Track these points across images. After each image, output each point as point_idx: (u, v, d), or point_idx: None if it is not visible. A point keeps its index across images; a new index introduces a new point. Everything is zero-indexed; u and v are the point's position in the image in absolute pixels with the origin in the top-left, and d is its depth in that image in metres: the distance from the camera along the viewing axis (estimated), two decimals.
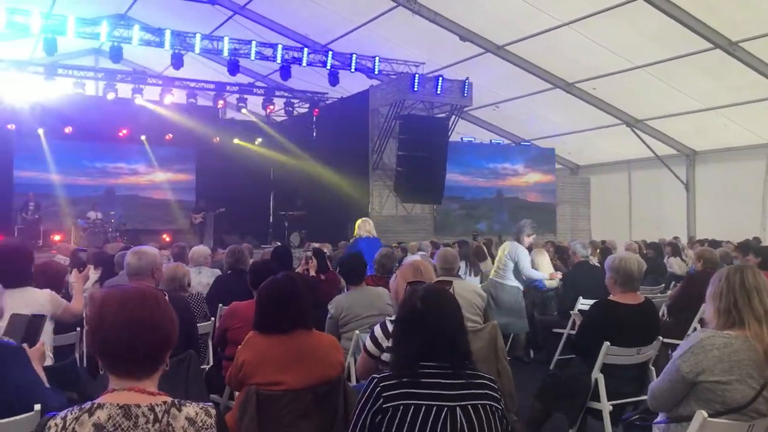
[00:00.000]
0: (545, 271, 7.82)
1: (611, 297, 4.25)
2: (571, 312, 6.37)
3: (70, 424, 1.67)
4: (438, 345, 2.37)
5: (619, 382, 4.16)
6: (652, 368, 4.30)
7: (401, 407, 2.27)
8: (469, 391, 2.34)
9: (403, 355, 2.41)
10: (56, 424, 1.68)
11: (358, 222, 8.87)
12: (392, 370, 2.39)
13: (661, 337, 4.32)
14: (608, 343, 4.05)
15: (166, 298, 1.90)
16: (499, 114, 18.50)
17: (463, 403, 2.31)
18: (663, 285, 8.85)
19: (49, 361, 3.85)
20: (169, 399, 1.78)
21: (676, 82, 14.15)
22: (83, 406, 1.72)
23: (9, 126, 16.68)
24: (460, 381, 2.34)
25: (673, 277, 9.88)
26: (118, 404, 1.71)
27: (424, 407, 2.27)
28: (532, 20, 13.17)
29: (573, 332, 5.90)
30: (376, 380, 2.35)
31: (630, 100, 15.92)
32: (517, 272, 7.43)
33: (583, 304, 6.70)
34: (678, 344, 3.59)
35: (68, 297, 4.69)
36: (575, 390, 4.20)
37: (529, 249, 7.67)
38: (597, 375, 4.10)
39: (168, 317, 1.84)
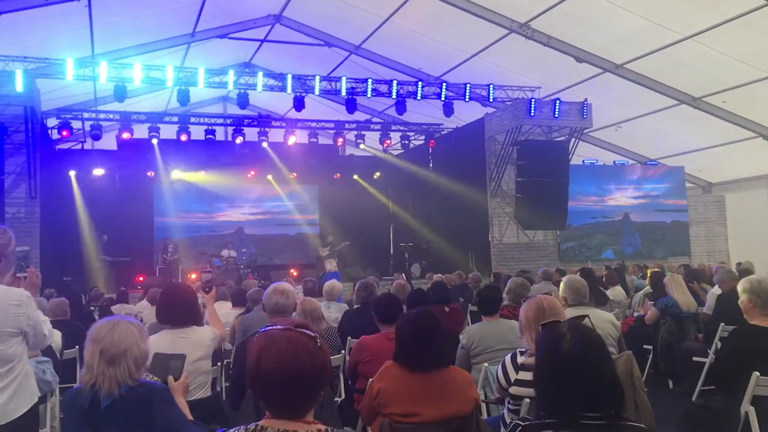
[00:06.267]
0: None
1: (752, 322, 4.00)
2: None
3: None
4: (588, 394, 2.17)
5: None
6: None
7: None
8: None
9: (547, 404, 2.25)
10: None
11: (326, 261, 13.63)
12: (537, 417, 2.27)
13: None
14: (758, 373, 3.79)
15: (317, 342, 1.97)
16: (621, 134, 17.88)
17: None
18: None
19: (209, 392, 4.07)
20: (323, 427, 1.89)
21: None
22: (248, 426, 1.87)
23: (148, 173, 18.01)
24: None
25: None
26: (281, 430, 1.85)
27: None
28: (651, 36, 12.72)
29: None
30: (520, 428, 2.24)
31: (766, 111, 14.93)
32: None
33: (725, 330, 6.31)
34: None
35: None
36: (722, 424, 3.94)
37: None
38: (747, 408, 3.83)
39: (319, 364, 1.91)
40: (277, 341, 1.92)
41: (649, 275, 9.31)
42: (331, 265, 12.67)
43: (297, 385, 1.88)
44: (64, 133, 15.36)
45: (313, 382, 1.90)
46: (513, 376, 3.53)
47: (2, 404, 3.05)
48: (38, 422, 3.44)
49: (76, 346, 6.06)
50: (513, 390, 3.52)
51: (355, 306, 6.66)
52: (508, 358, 3.63)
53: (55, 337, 3.49)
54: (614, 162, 18.67)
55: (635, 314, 8.49)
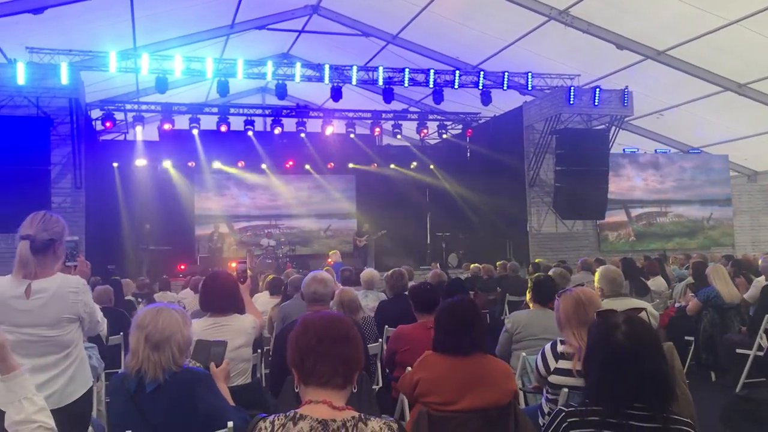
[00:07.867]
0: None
1: None
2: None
3: (277, 429, 1.90)
4: (637, 387, 2.16)
5: None
6: None
7: None
8: None
9: (594, 392, 2.24)
10: (265, 427, 1.92)
11: (330, 252, 15.05)
12: (581, 404, 2.27)
13: None
14: None
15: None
16: (663, 122, 17.52)
17: None
18: None
19: (249, 379, 4.14)
20: (356, 414, 1.95)
21: None
22: (288, 413, 1.93)
23: (189, 164, 18.30)
24: (656, 425, 2.13)
25: None
26: (317, 419, 1.90)
27: None
28: (695, 22, 12.42)
29: (761, 353, 5.44)
30: (563, 414, 2.24)
31: None
32: None
33: None
34: None
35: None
36: (766, 416, 3.87)
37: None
38: None
39: (359, 339, 2.05)
40: (320, 313, 2.14)
41: (692, 265, 9.15)
42: (336, 257, 14.34)
43: (341, 343, 1.98)
44: (108, 124, 15.66)
45: (355, 346, 2.01)
46: (552, 364, 3.53)
47: (61, 387, 3.16)
48: (92, 405, 3.56)
49: (121, 333, 6.22)
50: (552, 379, 3.51)
51: (392, 295, 6.68)
52: (548, 347, 3.63)
53: (103, 324, 3.60)
54: (655, 150, 18.33)
55: (677, 305, 8.37)
